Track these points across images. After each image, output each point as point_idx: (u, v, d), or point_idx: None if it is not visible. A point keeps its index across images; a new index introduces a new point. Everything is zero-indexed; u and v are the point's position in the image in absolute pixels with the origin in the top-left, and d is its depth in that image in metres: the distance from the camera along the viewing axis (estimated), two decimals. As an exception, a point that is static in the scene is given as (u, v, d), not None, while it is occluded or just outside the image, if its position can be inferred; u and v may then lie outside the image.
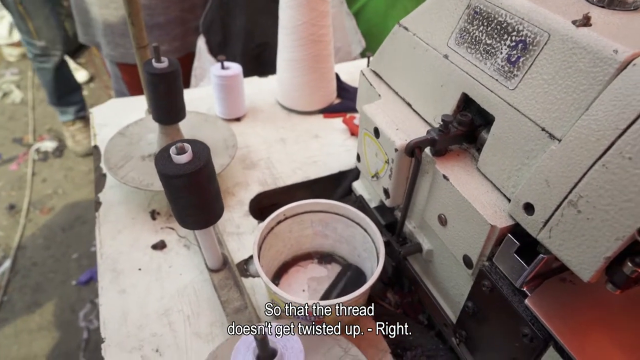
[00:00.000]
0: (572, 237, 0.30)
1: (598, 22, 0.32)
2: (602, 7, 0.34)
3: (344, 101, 0.90)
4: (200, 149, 0.42)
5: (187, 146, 0.41)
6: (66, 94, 2.14)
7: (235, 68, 0.76)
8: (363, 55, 1.23)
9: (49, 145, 2.32)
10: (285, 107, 0.87)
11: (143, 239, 0.60)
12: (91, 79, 2.77)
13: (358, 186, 0.60)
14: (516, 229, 0.36)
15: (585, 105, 0.30)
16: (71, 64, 2.78)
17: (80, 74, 2.76)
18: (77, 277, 1.75)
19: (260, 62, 1.11)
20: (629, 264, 0.28)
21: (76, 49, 2.90)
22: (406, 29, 0.47)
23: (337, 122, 0.85)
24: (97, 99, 2.62)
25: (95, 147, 0.74)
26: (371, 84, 0.52)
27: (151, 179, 0.61)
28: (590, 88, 0.30)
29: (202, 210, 0.44)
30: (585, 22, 0.31)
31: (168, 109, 0.58)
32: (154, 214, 0.64)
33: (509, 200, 0.37)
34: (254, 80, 0.95)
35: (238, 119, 0.83)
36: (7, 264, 1.79)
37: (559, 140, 0.32)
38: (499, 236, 0.36)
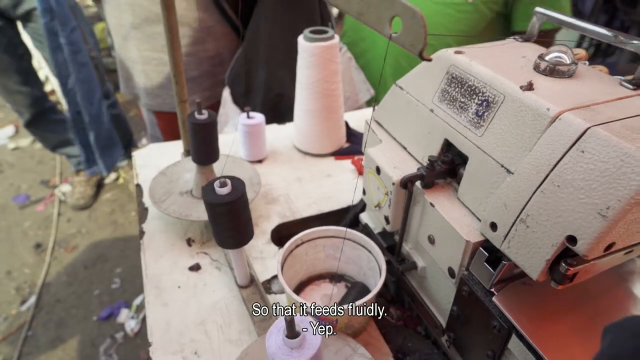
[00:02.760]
0: (524, 247, 0.40)
1: (539, 87, 0.43)
2: (546, 75, 0.45)
3: (353, 145, 1.00)
4: (238, 184, 0.53)
5: (228, 181, 0.52)
6: (56, 147, 2.25)
7: (258, 117, 0.89)
8: (369, 103, 1.36)
9: (74, 187, 2.46)
10: (301, 150, 0.98)
11: (181, 262, 0.71)
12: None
13: (364, 216, 0.71)
14: (486, 244, 0.45)
15: (530, 147, 0.41)
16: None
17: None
18: (98, 312, 1.81)
19: (277, 111, 1.24)
20: (563, 264, 0.38)
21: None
22: (401, 88, 0.58)
23: (347, 163, 0.95)
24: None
25: (138, 185, 0.86)
26: (374, 131, 0.64)
27: (189, 211, 0.72)
28: (533, 135, 0.41)
29: (237, 232, 0.55)
30: (529, 87, 0.42)
31: (205, 152, 0.70)
32: (189, 242, 0.74)
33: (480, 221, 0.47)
34: (273, 127, 1.07)
35: (260, 161, 0.94)
36: (32, 300, 1.87)
37: (513, 174, 0.42)
38: (473, 249, 0.46)
